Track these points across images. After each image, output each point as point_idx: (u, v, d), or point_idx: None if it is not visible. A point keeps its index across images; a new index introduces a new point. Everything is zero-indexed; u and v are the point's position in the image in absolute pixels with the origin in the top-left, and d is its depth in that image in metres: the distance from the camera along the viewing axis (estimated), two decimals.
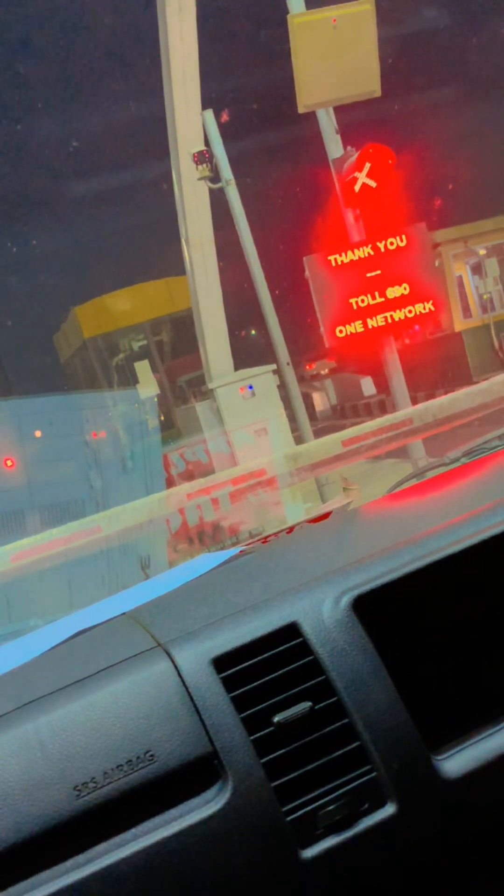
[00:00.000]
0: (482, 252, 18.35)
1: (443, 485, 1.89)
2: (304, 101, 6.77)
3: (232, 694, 1.17)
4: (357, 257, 7.34)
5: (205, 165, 8.35)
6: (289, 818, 1.11)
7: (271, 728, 1.15)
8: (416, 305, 7.43)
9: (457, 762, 1.19)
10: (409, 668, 1.28)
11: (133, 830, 1.09)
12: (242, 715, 1.15)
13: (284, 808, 1.11)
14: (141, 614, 1.47)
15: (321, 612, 1.26)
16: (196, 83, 8.14)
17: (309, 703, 1.16)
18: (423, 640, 1.32)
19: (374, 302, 7.37)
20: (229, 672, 1.19)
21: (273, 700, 1.17)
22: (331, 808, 1.12)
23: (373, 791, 1.14)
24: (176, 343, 23.72)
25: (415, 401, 7.42)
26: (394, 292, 7.39)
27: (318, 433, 8.76)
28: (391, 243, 7.37)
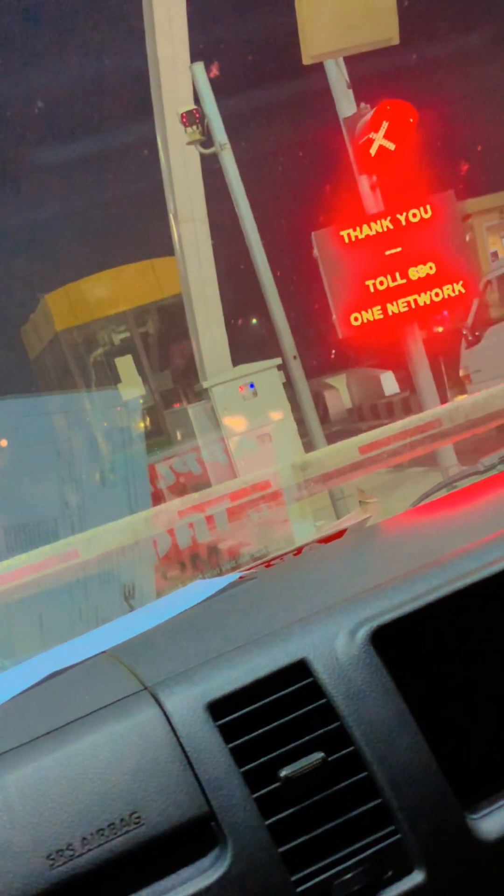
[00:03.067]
0: None
1: (476, 496, 1.90)
2: (310, 50, 6.79)
3: (231, 744, 1.17)
4: (374, 232, 7.35)
5: (195, 127, 8.36)
6: (298, 889, 1.11)
7: (277, 784, 1.14)
8: (444, 288, 7.44)
9: (494, 822, 1.19)
10: (438, 712, 1.28)
11: None
12: (243, 769, 1.15)
13: (293, 878, 1.11)
14: (124, 653, 1.47)
15: (334, 646, 1.26)
16: (184, 31, 8.17)
17: (321, 754, 1.16)
18: (453, 679, 1.32)
19: (395, 284, 7.38)
20: (228, 719, 1.19)
21: (279, 751, 1.17)
22: (348, 876, 1.12)
23: (397, 856, 1.13)
24: (164, 335, 23.79)
25: (444, 399, 7.43)
26: (417, 273, 7.40)
27: (332, 438, 8.77)
28: (413, 215, 7.38)
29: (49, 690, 1.46)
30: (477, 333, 13.61)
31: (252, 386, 9.25)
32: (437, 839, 1.14)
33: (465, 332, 13.85)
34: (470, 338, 13.71)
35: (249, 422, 9.12)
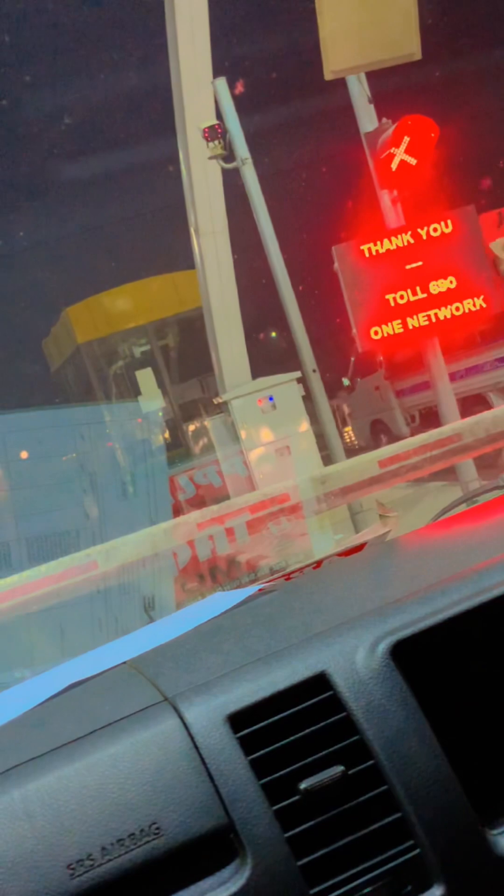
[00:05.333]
0: None
1: (497, 511, 1.89)
2: (332, 66, 6.83)
3: (251, 756, 1.17)
4: (395, 246, 7.37)
5: (217, 142, 8.41)
6: None
7: (297, 797, 1.14)
8: (465, 302, 7.44)
9: None
10: (458, 727, 1.27)
11: None
12: (263, 781, 1.15)
13: (312, 892, 1.10)
14: (144, 664, 1.48)
15: (354, 660, 1.26)
16: (206, 47, 8.23)
17: (341, 768, 1.16)
18: (473, 694, 1.32)
19: (415, 298, 7.39)
20: (247, 731, 1.19)
21: (299, 764, 1.17)
22: (367, 890, 1.11)
23: (416, 871, 1.13)
24: (184, 348, 23.84)
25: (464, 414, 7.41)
26: (438, 287, 7.40)
27: (351, 452, 8.75)
28: (434, 230, 7.40)
29: (70, 701, 1.47)
30: (353, 383, 16.70)
31: (271, 399, 9.25)
32: (456, 854, 1.14)
33: (346, 382, 16.92)
34: (349, 385, 16.82)
35: (268, 434, 9.12)
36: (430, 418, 13.28)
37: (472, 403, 12.39)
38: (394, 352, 13.81)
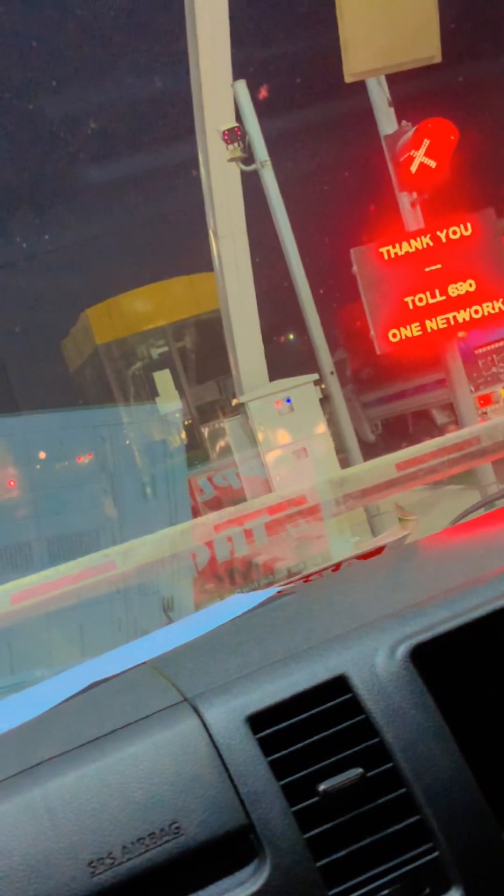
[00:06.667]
0: None
1: None
2: (352, 69, 6.82)
3: (270, 758, 1.17)
4: (413, 249, 7.35)
5: (236, 145, 8.42)
6: None
7: (316, 798, 1.15)
8: (484, 305, 7.41)
9: None
10: (477, 730, 1.27)
11: None
12: (282, 782, 1.15)
13: (331, 893, 1.11)
14: (164, 664, 1.48)
15: (374, 663, 1.26)
16: (226, 49, 8.24)
17: (360, 770, 1.16)
18: (492, 697, 1.32)
19: (434, 301, 7.36)
20: (267, 732, 1.19)
21: (318, 765, 1.17)
22: (385, 892, 1.11)
23: (435, 873, 1.13)
24: (201, 350, 23.85)
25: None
26: (457, 289, 7.38)
27: (368, 454, 8.74)
28: (454, 232, 7.37)
29: (90, 700, 1.48)
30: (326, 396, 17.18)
31: (289, 401, 9.25)
32: (475, 857, 1.14)
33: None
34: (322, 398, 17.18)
35: (286, 436, 9.12)
36: (388, 426, 16.21)
37: (419, 417, 15.01)
38: (359, 370, 15.81)
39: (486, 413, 12.29)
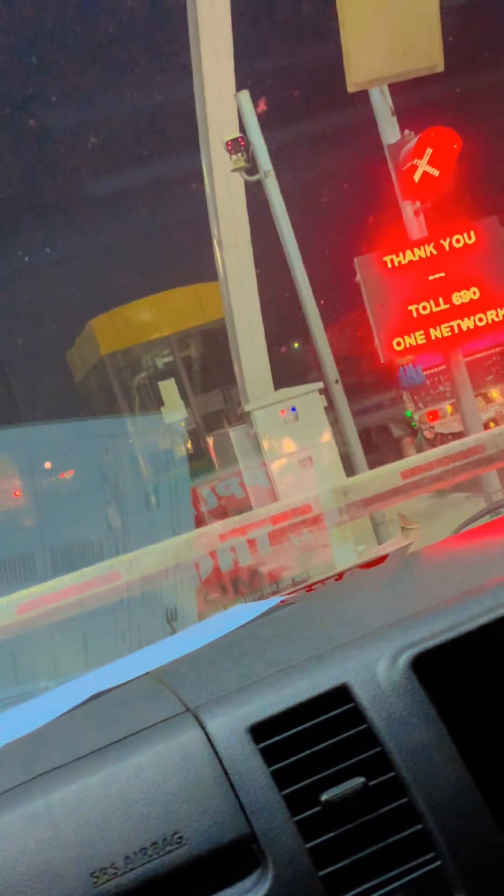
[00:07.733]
0: None
1: None
2: (355, 78, 6.83)
3: (272, 767, 1.17)
4: (417, 257, 7.36)
5: (240, 155, 8.46)
6: None
7: (318, 808, 1.15)
8: (488, 313, 7.42)
9: None
10: (479, 739, 1.27)
11: None
12: (285, 792, 1.15)
13: None
14: (167, 674, 1.48)
15: (376, 672, 1.26)
16: (230, 60, 8.28)
17: (362, 779, 1.16)
18: (495, 706, 1.32)
19: (438, 309, 7.37)
20: (269, 742, 1.20)
21: (320, 775, 1.17)
22: None
23: (437, 883, 1.13)
24: (206, 359, 23.85)
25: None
26: (461, 298, 7.39)
27: (373, 463, 8.73)
28: (457, 241, 7.38)
29: (93, 711, 1.48)
30: None
31: (294, 409, 9.25)
32: (477, 866, 1.14)
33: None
34: None
35: (290, 445, 9.12)
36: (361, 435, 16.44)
37: (379, 431, 16.20)
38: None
39: (433, 427, 14.03)
